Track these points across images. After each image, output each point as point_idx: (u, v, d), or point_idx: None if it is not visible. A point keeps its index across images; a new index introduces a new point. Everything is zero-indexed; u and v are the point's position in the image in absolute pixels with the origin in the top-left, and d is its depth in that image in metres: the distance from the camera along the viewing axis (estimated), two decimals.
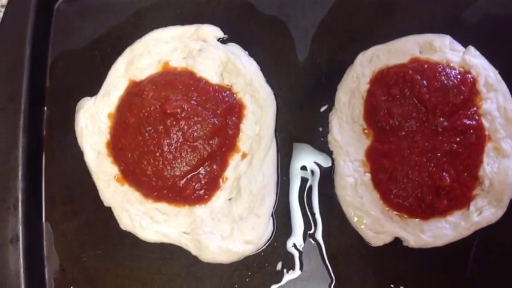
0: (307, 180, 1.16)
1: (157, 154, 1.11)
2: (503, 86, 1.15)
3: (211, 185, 1.13)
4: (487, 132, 1.11)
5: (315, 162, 1.17)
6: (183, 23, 1.25)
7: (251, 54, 1.23)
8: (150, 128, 1.12)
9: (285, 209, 1.15)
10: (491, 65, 1.16)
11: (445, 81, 1.10)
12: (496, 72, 1.16)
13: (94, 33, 1.27)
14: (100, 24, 1.27)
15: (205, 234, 1.11)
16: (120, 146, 1.14)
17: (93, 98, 1.20)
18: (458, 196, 1.09)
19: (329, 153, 1.17)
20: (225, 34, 1.25)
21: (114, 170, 1.15)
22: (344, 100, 1.17)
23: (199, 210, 1.12)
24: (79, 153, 1.17)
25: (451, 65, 1.14)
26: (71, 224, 1.17)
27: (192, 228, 1.12)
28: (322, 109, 1.20)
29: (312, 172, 1.17)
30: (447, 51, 1.16)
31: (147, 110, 1.12)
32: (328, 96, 1.20)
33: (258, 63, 1.22)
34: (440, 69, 1.12)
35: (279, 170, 1.17)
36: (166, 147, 1.11)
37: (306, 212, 1.15)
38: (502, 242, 1.11)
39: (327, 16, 1.25)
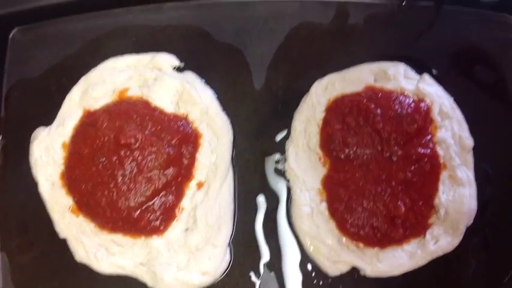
0: (264, 209, 1.16)
1: (111, 185, 1.10)
2: (458, 114, 1.15)
3: (167, 216, 1.12)
4: (442, 161, 1.11)
5: (272, 191, 1.16)
6: (138, 52, 1.24)
7: (207, 82, 1.23)
8: (104, 158, 1.10)
9: (242, 238, 1.14)
10: (446, 93, 1.16)
11: (399, 110, 1.10)
12: (451, 99, 1.16)
13: (49, 62, 1.26)
14: (55, 53, 1.26)
15: (161, 266, 1.09)
16: (74, 177, 1.12)
17: (48, 128, 1.18)
18: (414, 225, 1.09)
19: (287, 181, 1.16)
20: (181, 62, 1.24)
21: (68, 201, 1.13)
22: (300, 128, 1.16)
23: (155, 241, 1.11)
24: (34, 184, 1.16)
25: (405, 93, 1.14)
26: (26, 255, 1.16)
27: (148, 259, 1.11)
28: (279, 137, 1.20)
29: (269, 201, 1.16)
30: (401, 79, 1.16)
31: (101, 140, 1.11)
32: (285, 124, 1.20)
33: (214, 91, 1.22)
34: (394, 98, 1.12)
35: (236, 199, 1.16)
36: (120, 178, 1.10)
37: (264, 241, 1.14)
38: (459, 271, 1.10)
39: (283, 43, 1.25)
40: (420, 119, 1.10)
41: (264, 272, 1.12)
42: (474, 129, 1.15)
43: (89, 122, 1.15)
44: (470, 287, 1.10)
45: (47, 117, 1.20)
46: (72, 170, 1.13)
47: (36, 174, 1.16)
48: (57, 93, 1.22)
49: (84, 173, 1.11)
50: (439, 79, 1.18)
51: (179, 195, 1.13)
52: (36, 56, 1.27)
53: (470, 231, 1.10)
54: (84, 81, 1.21)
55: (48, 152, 1.16)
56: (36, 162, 1.16)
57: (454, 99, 1.16)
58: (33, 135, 1.19)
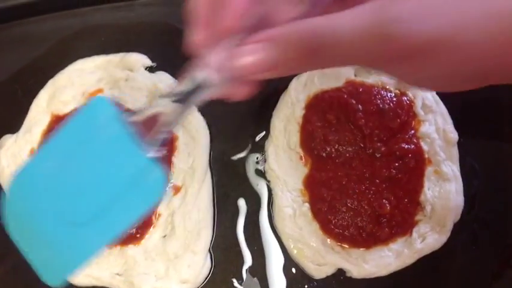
0: (245, 212, 1.12)
1: None
2: (441, 107, 1.12)
3: (143, 223, 1.07)
4: (426, 156, 1.08)
5: (253, 194, 1.12)
6: (108, 52, 1.20)
7: None
8: None
9: (223, 243, 1.10)
10: None
11: (381, 105, 1.07)
12: (434, 92, 1.13)
13: (15, 66, 1.21)
14: (21, 55, 1.21)
15: (139, 276, 1.05)
16: None
17: (15, 135, 1.14)
18: (400, 223, 1.05)
19: (267, 183, 1.12)
20: (153, 62, 1.20)
21: None
22: (279, 127, 1.13)
23: (132, 250, 1.06)
24: (1, 194, 1.10)
25: (387, 87, 1.11)
26: None
27: (124, 269, 1.06)
28: (258, 137, 1.16)
29: (250, 204, 1.12)
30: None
31: None
32: (264, 124, 1.16)
33: None
34: (375, 93, 1.09)
35: (215, 203, 1.12)
36: None
37: (246, 245, 1.10)
38: (447, 269, 1.07)
39: None
40: (403, 114, 1.07)
41: (246, 278, 1.08)
42: (458, 122, 1.11)
43: (58, 127, 1.09)
44: (460, 283, 1.07)
45: (13, 124, 1.15)
46: None
47: (3, 184, 1.11)
48: (24, 98, 1.17)
49: None
50: None
51: None
52: (0, 60, 1.21)
53: (458, 228, 1.07)
54: (52, 84, 1.16)
55: (15, 160, 1.11)
56: (3, 171, 1.11)
57: (437, 93, 1.12)
58: None
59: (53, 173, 0.63)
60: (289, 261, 1.09)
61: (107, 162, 0.62)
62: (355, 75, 1.14)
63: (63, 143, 0.63)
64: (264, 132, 1.16)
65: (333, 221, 1.06)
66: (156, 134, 0.63)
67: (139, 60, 1.19)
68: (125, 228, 0.66)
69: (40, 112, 1.14)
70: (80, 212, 0.62)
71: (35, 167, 0.67)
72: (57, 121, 1.12)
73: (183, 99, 0.63)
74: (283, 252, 1.09)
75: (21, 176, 0.67)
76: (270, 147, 1.12)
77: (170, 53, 1.20)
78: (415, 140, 1.07)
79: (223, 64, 0.61)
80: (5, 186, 1.10)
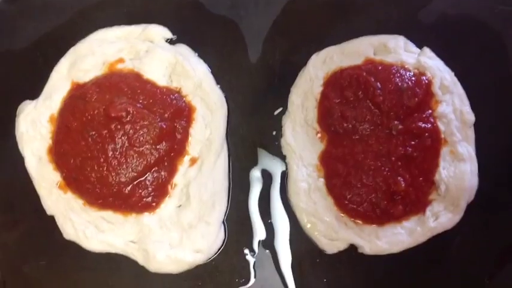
0: (260, 186, 1.12)
1: (101, 160, 1.06)
2: (459, 88, 1.12)
3: (159, 192, 1.08)
4: (442, 136, 1.08)
5: (268, 167, 1.13)
6: (129, 23, 1.20)
7: (201, 56, 1.19)
8: (94, 132, 1.07)
9: (236, 216, 1.11)
10: (446, 67, 1.13)
11: (400, 84, 1.07)
12: (452, 74, 1.13)
13: (36, 34, 1.21)
14: (42, 23, 1.21)
15: (153, 243, 1.06)
16: (62, 151, 1.08)
17: (35, 101, 1.14)
18: (414, 201, 1.06)
19: (282, 157, 1.13)
20: (173, 35, 1.21)
21: (56, 176, 1.10)
22: (297, 103, 1.13)
23: (147, 218, 1.07)
24: (20, 160, 1.12)
25: (406, 66, 1.11)
26: (11, 234, 1.12)
27: (139, 237, 1.07)
28: (276, 112, 1.16)
29: (265, 178, 1.13)
30: (402, 52, 1.13)
31: (90, 113, 1.07)
32: (281, 99, 1.16)
33: (208, 64, 1.19)
34: (394, 71, 1.09)
35: (231, 176, 1.13)
36: (111, 153, 1.06)
37: (259, 218, 1.11)
38: (459, 248, 1.08)
39: (279, 16, 1.21)
40: (421, 93, 1.08)
41: (259, 250, 1.10)
42: (475, 104, 1.12)
43: (78, 94, 1.11)
44: (470, 264, 1.08)
45: (34, 90, 1.16)
46: (60, 144, 1.09)
47: (22, 149, 1.12)
48: (44, 65, 1.18)
49: (72, 148, 1.07)
50: (440, 53, 1.14)
51: (172, 171, 1.09)
52: (22, 27, 1.21)
53: (470, 208, 1.08)
54: (73, 53, 1.16)
55: (34, 126, 1.12)
56: (22, 137, 1.12)
57: (455, 74, 1.13)
58: (19, 108, 1.15)
59: None
60: (301, 235, 1.10)
61: None
62: (375, 54, 1.14)
63: None
64: (282, 108, 1.16)
65: (348, 197, 1.06)
66: None
67: (160, 32, 1.20)
68: None
69: (60, 79, 1.15)
70: None
71: None
72: (77, 89, 1.12)
73: None
74: (296, 226, 1.10)
75: None
76: (287, 122, 1.13)
77: (191, 26, 1.21)
78: (432, 120, 1.08)
79: None
80: (23, 152, 1.10)
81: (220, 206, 1.09)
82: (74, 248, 1.08)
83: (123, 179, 1.06)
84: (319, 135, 1.11)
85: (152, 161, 1.07)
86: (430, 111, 1.09)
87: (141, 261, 1.07)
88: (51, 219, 1.09)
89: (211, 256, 1.08)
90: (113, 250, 1.08)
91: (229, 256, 1.09)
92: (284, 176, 1.12)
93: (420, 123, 1.06)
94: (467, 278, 1.07)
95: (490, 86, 1.15)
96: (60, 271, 1.10)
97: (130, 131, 1.06)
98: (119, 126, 1.06)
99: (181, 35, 1.21)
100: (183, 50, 1.18)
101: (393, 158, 1.06)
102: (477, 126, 1.11)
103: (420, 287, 1.08)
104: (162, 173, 1.09)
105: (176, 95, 1.12)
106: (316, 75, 1.13)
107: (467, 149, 1.09)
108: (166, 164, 1.09)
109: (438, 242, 1.07)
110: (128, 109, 1.06)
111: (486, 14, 1.19)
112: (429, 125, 1.07)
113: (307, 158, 1.10)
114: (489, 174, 1.09)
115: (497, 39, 1.18)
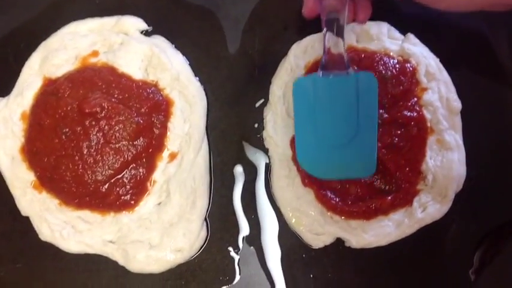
0: (242, 180, 1.09)
1: (76, 158, 1.02)
2: (444, 75, 1.09)
3: (138, 190, 1.05)
4: (429, 124, 1.05)
5: (250, 162, 1.10)
6: (102, 15, 1.16)
7: (178, 47, 1.15)
8: (67, 129, 1.03)
9: (219, 212, 1.08)
10: (431, 53, 1.10)
11: (383, 72, 1.04)
12: (437, 60, 1.10)
13: (5, 28, 1.17)
14: (12, 18, 1.17)
15: (133, 243, 1.03)
16: (35, 150, 1.05)
17: (6, 98, 1.10)
18: (401, 192, 1.03)
19: (265, 150, 1.10)
20: (148, 26, 1.17)
21: (30, 176, 1.05)
22: (278, 94, 1.10)
23: (126, 217, 1.04)
24: None
25: (390, 54, 1.08)
26: None
27: (118, 236, 1.04)
28: (257, 104, 1.13)
29: (247, 172, 1.10)
30: (385, 39, 1.09)
31: (63, 109, 1.03)
32: (263, 90, 1.13)
33: (185, 56, 1.15)
34: (378, 59, 1.06)
35: (212, 171, 1.10)
36: (86, 150, 1.02)
37: (242, 214, 1.08)
38: (447, 239, 1.05)
39: (258, 4, 1.17)
40: (406, 81, 1.05)
41: (243, 247, 1.07)
42: (462, 91, 1.09)
43: (50, 90, 1.07)
44: (459, 254, 1.06)
45: (5, 87, 1.12)
46: (32, 142, 1.05)
47: None
48: (15, 61, 1.14)
49: (46, 146, 1.04)
50: (424, 39, 1.11)
51: (150, 167, 1.05)
52: None
53: (458, 198, 1.05)
54: (44, 47, 1.12)
55: (6, 124, 1.08)
56: None
57: (440, 60, 1.10)
58: None
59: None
60: (286, 231, 1.07)
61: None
62: (357, 41, 1.11)
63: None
64: (263, 100, 1.13)
65: (327, 191, 1.03)
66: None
67: (135, 23, 1.16)
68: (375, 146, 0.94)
69: (32, 75, 1.11)
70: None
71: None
72: (49, 84, 1.08)
73: None
74: (280, 221, 1.08)
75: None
76: (269, 115, 1.10)
77: (166, 17, 1.17)
78: (417, 108, 1.05)
79: None
80: None
81: (201, 203, 1.06)
82: (51, 249, 1.05)
83: (99, 177, 1.02)
84: None
85: (129, 158, 1.03)
86: (415, 99, 1.06)
87: (121, 261, 1.04)
88: (27, 220, 1.06)
89: (193, 254, 1.05)
90: (91, 251, 1.04)
91: (213, 254, 1.06)
92: (267, 169, 1.09)
93: (406, 112, 1.04)
94: (456, 268, 1.05)
95: (476, 72, 1.12)
96: (37, 274, 1.06)
97: (106, 127, 1.02)
98: (93, 123, 1.02)
99: (156, 26, 1.17)
100: (159, 41, 1.14)
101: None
102: (464, 113, 1.08)
103: (409, 279, 1.05)
104: (141, 170, 1.05)
105: (153, 88, 1.08)
106: (297, 65, 1.10)
107: (454, 137, 1.06)
108: (144, 160, 1.05)
109: (426, 233, 1.04)
110: (103, 104, 1.02)
111: None
112: (415, 114, 1.04)
113: (289, 150, 1.06)
114: (476, 163, 1.07)
115: (483, 23, 1.15)
